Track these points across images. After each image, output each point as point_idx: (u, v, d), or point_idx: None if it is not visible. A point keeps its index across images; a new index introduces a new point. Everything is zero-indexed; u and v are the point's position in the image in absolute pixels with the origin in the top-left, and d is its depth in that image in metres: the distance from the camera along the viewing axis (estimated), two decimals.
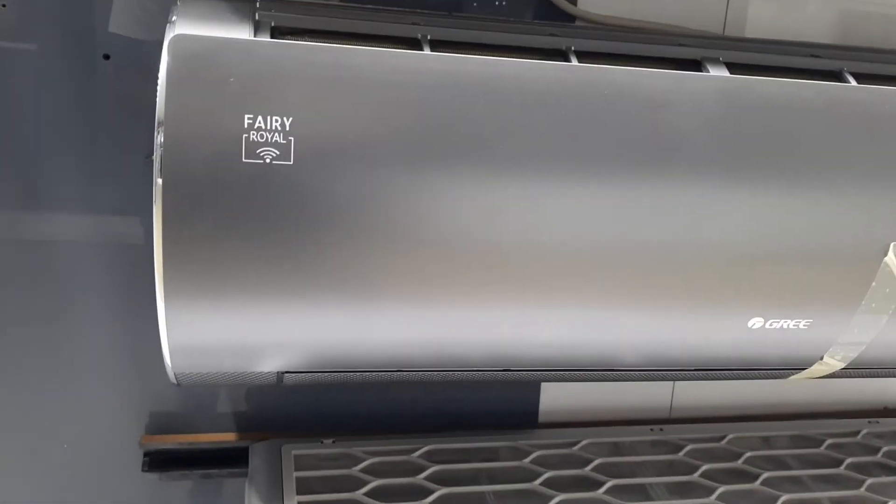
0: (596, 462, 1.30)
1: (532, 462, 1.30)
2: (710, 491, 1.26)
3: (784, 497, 1.26)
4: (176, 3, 0.88)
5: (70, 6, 1.18)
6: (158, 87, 0.79)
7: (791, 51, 1.06)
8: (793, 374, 1.14)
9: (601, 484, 1.25)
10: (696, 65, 0.98)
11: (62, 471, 1.35)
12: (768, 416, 1.59)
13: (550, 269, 0.92)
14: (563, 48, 0.94)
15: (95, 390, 1.33)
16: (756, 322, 1.01)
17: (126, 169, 1.23)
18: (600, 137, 0.89)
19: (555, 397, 1.50)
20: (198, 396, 1.37)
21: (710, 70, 0.96)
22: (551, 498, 1.20)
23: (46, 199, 1.23)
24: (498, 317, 0.94)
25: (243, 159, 0.80)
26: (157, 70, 0.79)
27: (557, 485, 1.23)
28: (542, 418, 1.51)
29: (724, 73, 0.96)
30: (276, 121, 0.80)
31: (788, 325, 1.02)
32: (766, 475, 1.31)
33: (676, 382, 1.55)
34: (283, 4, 0.94)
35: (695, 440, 1.41)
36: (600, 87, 0.89)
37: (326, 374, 0.99)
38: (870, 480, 1.33)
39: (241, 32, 0.85)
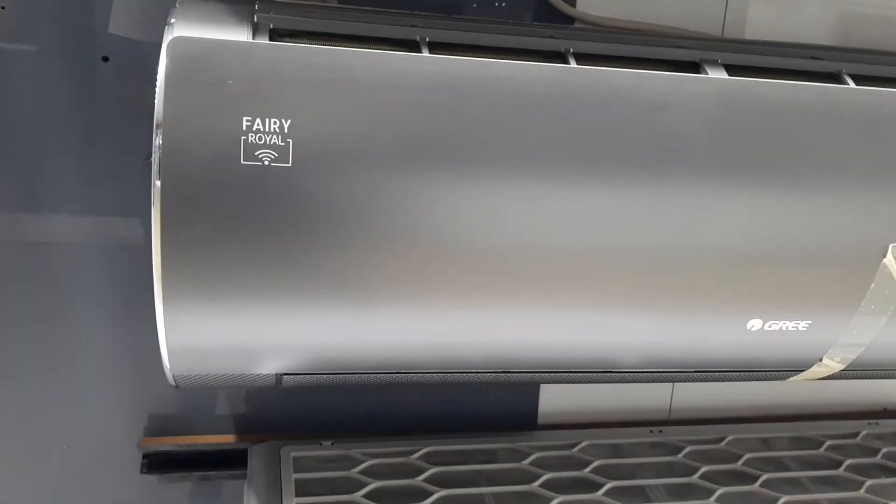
0: (595, 464, 1.30)
1: (531, 464, 1.29)
2: (710, 492, 1.25)
3: (783, 498, 1.26)
4: (175, 5, 0.88)
5: (70, 8, 1.18)
6: (157, 89, 0.79)
7: (790, 52, 1.05)
8: (792, 376, 1.14)
9: (600, 485, 1.25)
10: (694, 67, 0.97)
11: (61, 472, 1.35)
12: (768, 418, 1.59)
13: (549, 271, 0.92)
14: (562, 50, 0.94)
15: (95, 391, 1.33)
16: (755, 324, 1.01)
17: (125, 170, 1.23)
18: (599, 139, 0.88)
19: (554, 399, 1.50)
20: (197, 398, 1.37)
21: (709, 72, 0.96)
22: (550, 500, 1.20)
23: (46, 200, 1.24)
24: (496, 319, 0.94)
25: (242, 161, 0.80)
26: (156, 72, 0.79)
27: (556, 486, 1.23)
28: (541, 420, 1.51)
29: (723, 74, 0.96)
30: (275, 123, 0.80)
31: (787, 327, 1.02)
32: (765, 477, 1.31)
33: (676, 384, 1.55)
34: (282, 6, 0.94)
35: (694, 442, 1.41)
36: (599, 88, 0.89)
37: (325, 376, 0.99)
38: (869, 482, 1.33)
39: (240, 34, 0.85)
